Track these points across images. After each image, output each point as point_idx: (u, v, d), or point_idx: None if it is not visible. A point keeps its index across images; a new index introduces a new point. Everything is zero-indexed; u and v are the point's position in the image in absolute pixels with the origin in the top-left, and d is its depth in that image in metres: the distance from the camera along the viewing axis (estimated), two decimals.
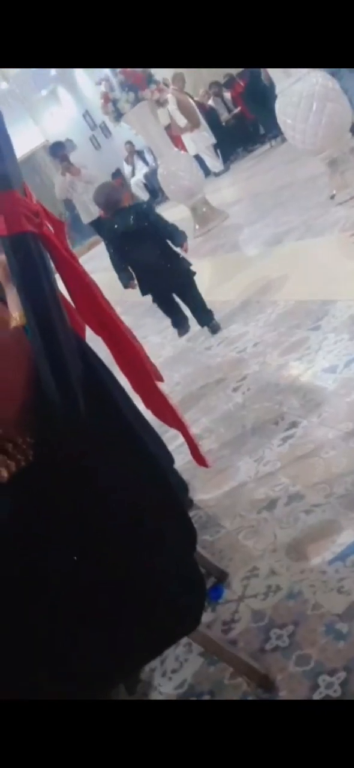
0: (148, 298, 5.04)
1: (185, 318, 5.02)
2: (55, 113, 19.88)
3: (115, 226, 4.58)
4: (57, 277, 1.64)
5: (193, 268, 4.76)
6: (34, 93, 18.76)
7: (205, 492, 2.94)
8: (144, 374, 1.93)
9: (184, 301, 4.93)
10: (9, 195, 1.41)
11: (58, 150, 9.82)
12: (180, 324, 5.04)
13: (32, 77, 17.08)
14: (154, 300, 5.01)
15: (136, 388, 1.97)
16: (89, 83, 16.58)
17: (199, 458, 2.17)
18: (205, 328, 4.86)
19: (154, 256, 4.62)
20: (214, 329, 4.77)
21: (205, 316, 4.84)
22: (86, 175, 9.34)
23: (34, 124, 19.69)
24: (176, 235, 4.65)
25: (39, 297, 1.46)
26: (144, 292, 4.88)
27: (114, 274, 4.83)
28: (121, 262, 4.75)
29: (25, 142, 18.61)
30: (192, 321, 5.00)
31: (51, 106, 19.89)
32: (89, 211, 9.17)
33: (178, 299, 4.95)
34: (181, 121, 12.00)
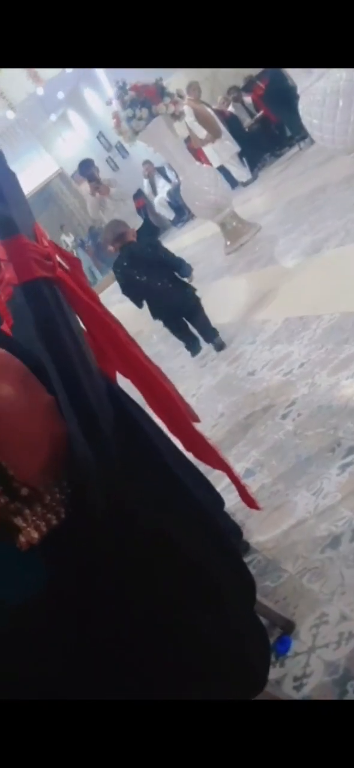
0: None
1: (196, 339, 5.72)
2: (68, 138, 20.18)
3: (125, 263, 5.43)
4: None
5: (198, 293, 5.56)
6: (43, 120, 19.06)
7: (261, 533, 2.89)
8: (178, 415, 1.92)
9: (192, 323, 5.68)
10: (15, 241, 1.42)
11: (86, 169, 10.51)
12: (193, 347, 5.76)
13: (40, 103, 17.32)
14: (165, 325, 5.78)
15: (173, 430, 1.96)
16: (100, 102, 16.84)
17: (248, 499, 2.15)
18: (248, 351, 4.89)
19: (162, 286, 5.43)
20: (219, 346, 5.43)
21: (211, 335, 5.55)
22: (116, 193, 10.03)
23: (46, 152, 20.01)
24: (183, 267, 5.47)
25: (58, 346, 1.46)
26: (155, 317, 5.74)
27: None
28: (131, 291, 5.60)
29: (38, 172, 18.96)
30: (236, 349, 5.00)
31: (62, 131, 20.20)
32: (130, 230, 9.41)
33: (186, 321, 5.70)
34: (201, 132, 12.08)
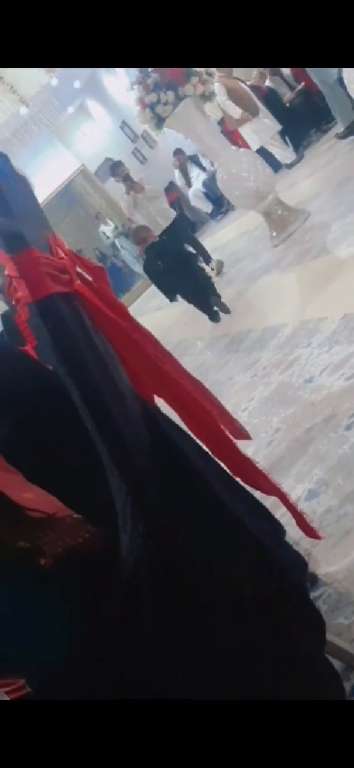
0: (230, 328, 6.09)
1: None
2: (88, 131, 20.33)
3: (151, 262, 7.62)
4: None
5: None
6: (59, 113, 19.15)
7: (330, 563, 2.86)
8: (220, 436, 1.91)
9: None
10: (25, 255, 1.43)
11: (117, 169, 11.68)
12: (215, 316, 7.71)
13: (54, 94, 17.46)
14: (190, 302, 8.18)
15: (216, 453, 1.96)
16: (121, 88, 16.93)
17: (307, 528, 2.13)
18: (303, 355, 4.88)
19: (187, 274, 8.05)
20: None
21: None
22: (150, 191, 10.91)
23: (65, 149, 20.17)
24: (205, 256, 8.04)
25: (80, 369, 1.47)
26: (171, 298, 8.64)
27: (186, 308, 5.79)
28: (162, 285, 8.42)
29: (57, 172, 19.12)
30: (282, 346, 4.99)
31: (81, 123, 20.36)
32: (158, 224, 10.40)
33: None
34: (236, 112, 12.06)
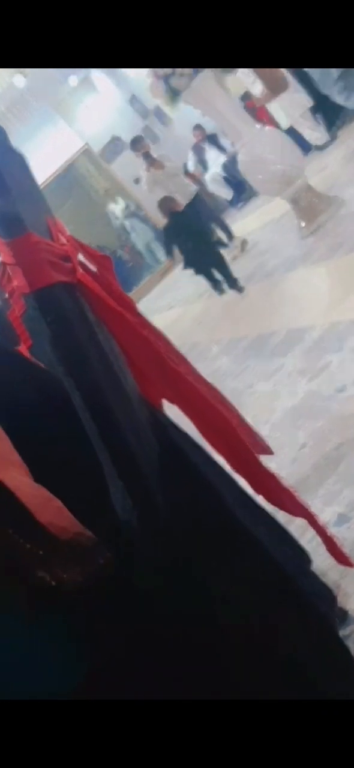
0: (250, 330, 6.15)
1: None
2: (92, 106, 20.32)
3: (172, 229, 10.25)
4: None
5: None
6: (60, 85, 19.19)
7: None
8: (241, 448, 1.92)
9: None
10: (23, 240, 1.44)
11: (138, 145, 12.69)
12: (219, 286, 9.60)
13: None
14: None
15: (235, 467, 1.96)
16: None
17: (338, 554, 2.13)
18: (334, 361, 4.88)
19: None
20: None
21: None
22: (171, 168, 12.00)
23: (66, 125, 20.15)
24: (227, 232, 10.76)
25: (82, 368, 1.48)
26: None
27: (200, 307, 5.85)
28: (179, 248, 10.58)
29: (58, 151, 19.08)
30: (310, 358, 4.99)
31: (85, 97, 20.33)
32: (177, 202, 11.55)
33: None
34: (261, 85, 12.05)
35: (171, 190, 11.55)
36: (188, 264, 10.51)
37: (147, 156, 12.27)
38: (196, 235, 10.30)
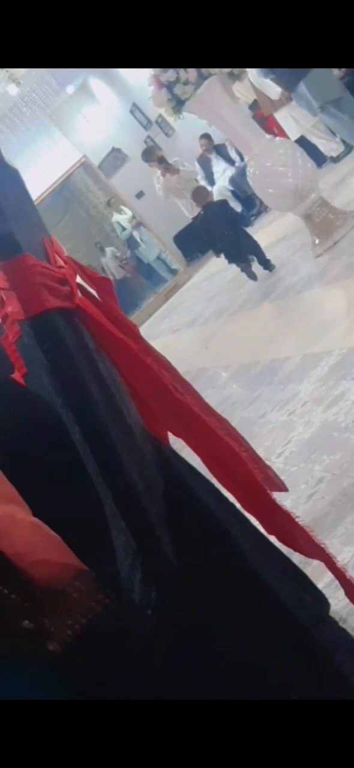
0: (262, 355, 6.29)
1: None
2: (90, 115, 20.42)
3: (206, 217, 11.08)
4: None
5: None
6: (56, 93, 19.28)
7: None
8: (252, 485, 1.91)
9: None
10: (18, 262, 1.44)
11: (151, 155, 14.18)
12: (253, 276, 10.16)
13: (50, 71, 17.47)
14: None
15: (246, 505, 1.96)
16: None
17: None
18: (353, 389, 4.88)
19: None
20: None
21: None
22: (186, 173, 13.55)
23: (62, 136, 20.22)
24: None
25: (81, 400, 1.48)
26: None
27: (207, 331, 5.93)
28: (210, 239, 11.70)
29: (54, 164, 19.14)
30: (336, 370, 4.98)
31: (83, 106, 20.42)
32: (194, 207, 12.59)
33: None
34: (272, 92, 12.08)
35: (185, 195, 13.02)
36: (228, 255, 11.02)
37: (162, 161, 13.63)
38: (233, 223, 11.09)
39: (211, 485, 1.90)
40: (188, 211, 13.92)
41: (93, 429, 1.49)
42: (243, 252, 10.57)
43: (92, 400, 1.50)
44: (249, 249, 10.49)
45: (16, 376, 1.70)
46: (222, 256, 11.18)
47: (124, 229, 20.32)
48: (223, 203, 11.83)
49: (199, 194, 11.55)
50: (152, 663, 1.54)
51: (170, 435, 2.00)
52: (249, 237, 10.81)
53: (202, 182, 16.61)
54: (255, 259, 10.32)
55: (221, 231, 10.90)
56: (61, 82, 18.79)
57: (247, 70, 9.73)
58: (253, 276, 10.22)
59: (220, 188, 16.35)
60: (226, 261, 11.17)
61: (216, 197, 16.41)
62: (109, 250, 19.53)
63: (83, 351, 1.52)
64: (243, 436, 2.13)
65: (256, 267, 10.22)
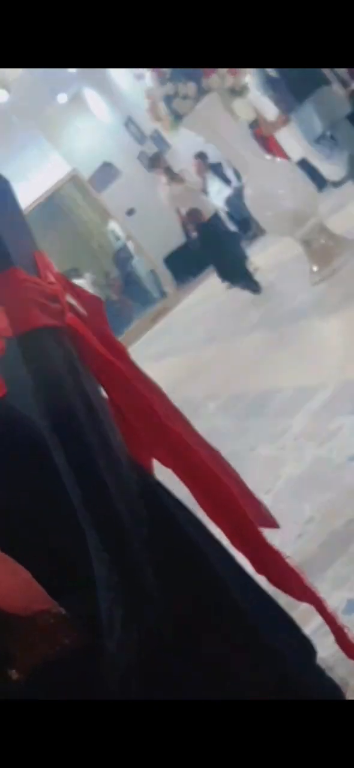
0: (252, 386, 6.36)
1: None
2: (83, 128, 20.45)
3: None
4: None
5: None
6: (48, 102, 19.26)
7: None
8: (242, 521, 1.91)
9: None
10: (8, 276, 1.44)
11: (158, 162, 14.68)
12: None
13: (43, 78, 17.40)
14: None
15: (236, 542, 1.96)
16: (128, 76, 17.08)
17: (347, 646, 2.12)
18: (347, 425, 4.88)
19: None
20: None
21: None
22: (191, 184, 13.79)
23: (52, 148, 20.23)
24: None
25: (69, 424, 1.47)
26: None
27: (196, 356, 5.97)
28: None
29: (42, 176, 19.17)
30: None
31: (75, 118, 20.46)
32: (203, 214, 13.10)
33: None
34: (273, 112, 12.14)
35: (190, 205, 13.14)
36: (223, 275, 12.25)
37: (168, 170, 13.91)
38: (227, 244, 12.27)
39: (198, 520, 1.90)
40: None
41: (79, 455, 1.49)
42: (242, 267, 11.45)
43: (79, 425, 1.50)
44: (244, 274, 11.25)
45: None
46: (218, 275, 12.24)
47: (118, 238, 20.39)
48: (215, 218, 12.77)
49: (193, 216, 12.52)
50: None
51: (155, 466, 1.99)
52: (244, 261, 11.79)
53: (213, 189, 16.73)
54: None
55: (218, 248, 12.03)
56: (53, 90, 18.74)
57: (249, 86, 9.77)
58: (256, 288, 10.79)
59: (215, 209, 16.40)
60: (218, 285, 11.88)
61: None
62: (88, 275, 19.43)
63: (71, 373, 1.52)
64: (234, 470, 2.13)
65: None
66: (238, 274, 11.57)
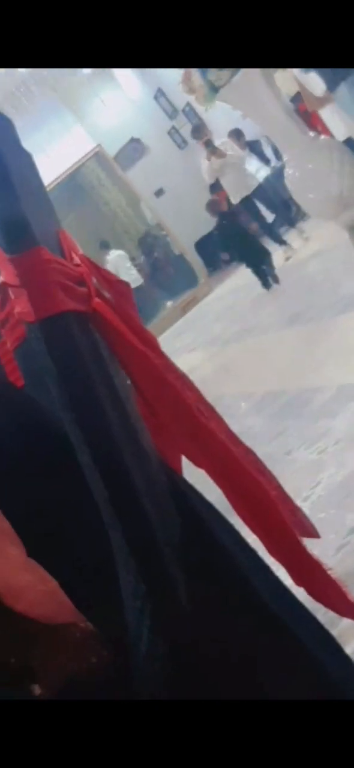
0: (289, 383, 6.54)
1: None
2: (109, 100, 20.41)
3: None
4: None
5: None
6: (72, 72, 19.20)
7: None
8: (281, 528, 1.91)
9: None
10: (33, 256, 1.44)
11: (200, 133, 15.37)
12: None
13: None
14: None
15: (273, 551, 1.95)
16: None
17: None
18: None
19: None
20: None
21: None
22: (232, 158, 14.33)
23: (75, 121, 20.15)
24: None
25: (95, 417, 1.47)
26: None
27: (229, 350, 5.95)
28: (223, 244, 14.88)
29: (64, 152, 19.09)
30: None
31: (100, 89, 20.39)
32: (239, 192, 14.34)
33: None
34: (317, 88, 12.06)
35: (230, 180, 14.20)
36: (241, 258, 13.35)
37: (208, 144, 14.56)
38: (243, 234, 13.29)
39: (231, 526, 1.90)
40: (233, 197, 14.92)
41: (105, 451, 1.49)
42: (262, 255, 12.61)
43: (106, 419, 1.50)
44: (262, 261, 12.48)
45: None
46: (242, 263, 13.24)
47: (145, 221, 20.43)
48: (234, 213, 13.97)
49: (212, 207, 13.80)
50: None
51: (184, 466, 1.99)
52: (262, 249, 12.90)
53: (251, 168, 16.74)
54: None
55: (240, 235, 13.14)
56: None
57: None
58: (269, 283, 12.04)
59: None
60: (252, 274, 12.23)
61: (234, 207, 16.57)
62: (115, 252, 19.40)
63: (98, 362, 1.52)
64: (272, 473, 2.12)
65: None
66: (253, 261, 12.56)
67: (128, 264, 19.10)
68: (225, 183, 14.41)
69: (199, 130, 15.36)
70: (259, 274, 12.40)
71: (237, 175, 14.14)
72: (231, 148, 14.76)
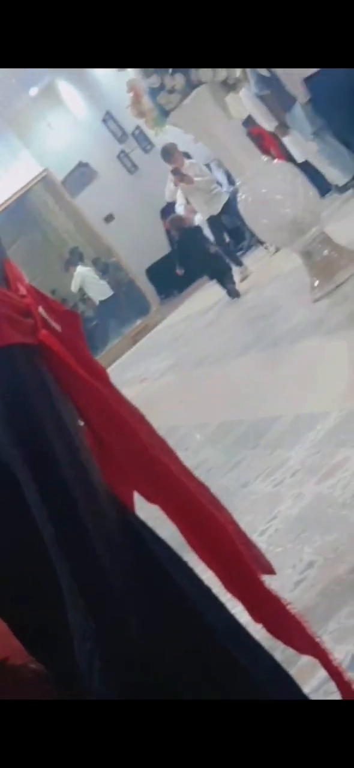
0: (245, 414, 6.47)
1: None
2: (56, 123, 20.46)
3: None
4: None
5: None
6: (18, 95, 19.25)
7: None
8: (238, 563, 1.91)
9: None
10: None
11: (171, 157, 14.86)
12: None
13: (12, 70, 17.53)
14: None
15: (230, 587, 1.96)
16: (107, 69, 17.10)
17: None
18: (353, 458, 4.89)
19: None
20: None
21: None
22: (201, 183, 14.47)
23: (22, 145, 20.23)
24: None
25: (42, 454, 1.47)
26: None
27: (182, 379, 5.88)
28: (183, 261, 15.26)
29: (10, 177, 19.12)
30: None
31: (47, 112, 20.47)
32: (209, 212, 14.58)
33: None
34: (267, 124, 12.15)
35: (199, 203, 14.62)
36: (202, 272, 14.67)
37: (176, 172, 14.85)
38: (205, 250, 13.93)
39: (185, 563, 1.90)
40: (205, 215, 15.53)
41: (53, 489, 1.49)
42: (226, 268, 13.38)
43: (54, 456, 1.49)
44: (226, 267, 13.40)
45: None
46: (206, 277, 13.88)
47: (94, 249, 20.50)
48: (197, 229, 14.72)
49: (174, 223, 14.73)
50: None
51: (137, 502, 1.99)
52: (223, 263, 13.64)
53: (222, 190, 16.79)
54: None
55: (202, 251, 13.78)
56: (23, 82, 18.73)
57: (246, 81, 9.79)
58: (235, 293, 12.61)
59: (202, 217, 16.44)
60: (207, 300, 12.38)
61: (198, 224, 16.60)
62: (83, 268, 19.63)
63: (45, 396, 1.52)
64: (226, 508, 2.13)
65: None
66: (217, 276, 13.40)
67: (97, 276, 19.24)
68: (197, 209, 15.07)
69: (169, 152, 14.98)
70: (222, 284, 13.04)
71: (204, 199, 14.46)
72: (199, 171, 14.97)
